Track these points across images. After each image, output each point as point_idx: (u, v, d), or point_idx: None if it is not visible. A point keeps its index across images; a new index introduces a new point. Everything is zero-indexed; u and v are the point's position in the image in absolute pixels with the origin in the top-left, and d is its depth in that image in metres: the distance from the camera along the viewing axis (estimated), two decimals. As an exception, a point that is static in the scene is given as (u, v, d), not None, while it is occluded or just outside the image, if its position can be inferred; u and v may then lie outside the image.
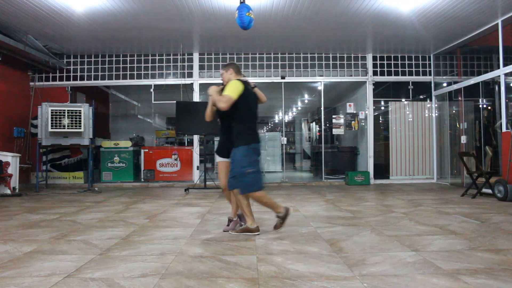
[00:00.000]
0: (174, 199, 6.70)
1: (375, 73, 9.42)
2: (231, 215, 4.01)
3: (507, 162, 6.22)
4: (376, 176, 9.33)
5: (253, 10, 5.52)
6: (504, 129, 6.69)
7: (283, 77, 9.42)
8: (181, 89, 9.09)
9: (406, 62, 9.42)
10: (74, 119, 7.96)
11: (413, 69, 9.41)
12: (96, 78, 9.38)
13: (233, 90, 3.58)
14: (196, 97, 9.27)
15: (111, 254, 3.09)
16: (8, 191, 7.07)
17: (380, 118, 10.42)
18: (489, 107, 8.17)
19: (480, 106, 8.23)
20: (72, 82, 9.42)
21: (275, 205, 3.75)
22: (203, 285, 2.38)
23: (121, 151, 9.40)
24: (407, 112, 9.63)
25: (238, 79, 3.73)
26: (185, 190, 7.82)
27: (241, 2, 5.46)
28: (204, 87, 9.13)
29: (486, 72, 7.58)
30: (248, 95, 3.70)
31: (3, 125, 8.19)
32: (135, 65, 9.35)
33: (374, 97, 9.49)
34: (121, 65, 9.36)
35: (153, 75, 9.38)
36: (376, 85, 9.50)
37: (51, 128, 7.87)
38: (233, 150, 3.68)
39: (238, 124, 3.69)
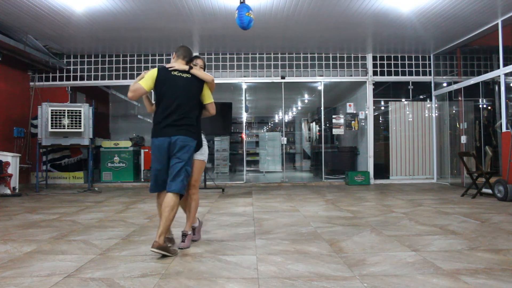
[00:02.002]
0: (174, 199, 6.69)
1: (375, 73, 9.42)
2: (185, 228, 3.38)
3: (507, 162, 6.22)
4: (376, 176, 9.33)
5: (253, 10, 5.52)
6: (504, 129, 6.68)
7: (283, 77, 9.42)
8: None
9: (406, 62, 9.42)
10: (74, 119, 7.96)
11: (413, 69, 9.41)
12: (96, 78, 9.38)
13: (144, 78, 3.16)
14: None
15: (111, 254, 3.09)
16: (8, 191, 7.06)
17: (380, 118, 10.42)
18: (489, 107, 8.17)
19: (480, 106, 8.22)
20: (72, 82, 9.41)
21: (166, 227, 3.01)
22: (203, 285, 2.38)
23: (121, 151, 9.40)
24: (407, 112, 9.63)
25: (161, 66, 3.29)
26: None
27: (241, 2, 5.46)
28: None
29: (486, 72, 7.57)
30: (161, 82, 3.16)
31: (3, 125, 8.19)
32: (135, 65, 9.35)
33: (374, 97, 9.49)
34: (121, 65, 9.36)
35: (153, 75, 9.36)
36: (376, 85, 9.49)
37: (51, 128, 7.87)
38: None
39: None
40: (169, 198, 3.02)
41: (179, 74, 3.20)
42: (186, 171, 3.13)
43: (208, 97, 3.32)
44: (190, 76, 3.22)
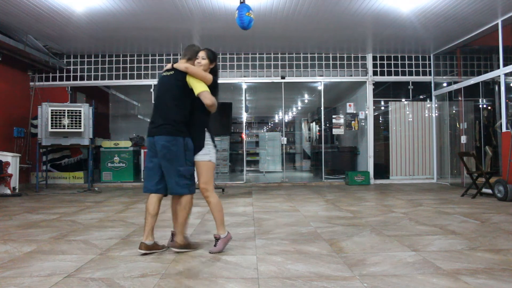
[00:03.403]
0: (174, 199, 6.69)
1: (375, 73, 9.41)
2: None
3: (507, 162, 6.22)
4: (376, 176, 9.32)
5: (253, 10, 5.52)
6: (504, 129, 6.68)
7: (283, 77, 9.41)
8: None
9: (406, 62, 9.42)
10: (74, 119, 7.96)
11: (413, 69, 9.40)
12: (96, 78, 9.38)
13: None
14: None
15: (111, 254, 3.09)
16: (8, 191, 7.06)
17: (380, 118, 10.41)
18: (489, 107, 8.16)
19: (480, 106, 8.22)
20: (72, 82, 9.41)
21: (148, 229, 3.05)
22: (203, 285, 2.38)
23: (121, 151, 9.40)
24: (407, 112, 9.62)
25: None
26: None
27: (241, 2, 5.45)
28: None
29: (486, 72, 7.57)
30: (157, 84, 3.38)
31: (3, 125, 8.18)
32: (135, 65, 9.35)
33: (374, 97, 9.48)
34: (121, 65, 9.36)
35: (153, 75, 9.36)
36: (376, 85, 9.49)
37: (51, 128, 7.87)
38: None
39: None
40: (179, 198, 3.16)
41: (166, 73, 3.22)
42: (178, 171, 3.02)
43: (196, 87, 3.08)
44: (173, 72, 3.16)
